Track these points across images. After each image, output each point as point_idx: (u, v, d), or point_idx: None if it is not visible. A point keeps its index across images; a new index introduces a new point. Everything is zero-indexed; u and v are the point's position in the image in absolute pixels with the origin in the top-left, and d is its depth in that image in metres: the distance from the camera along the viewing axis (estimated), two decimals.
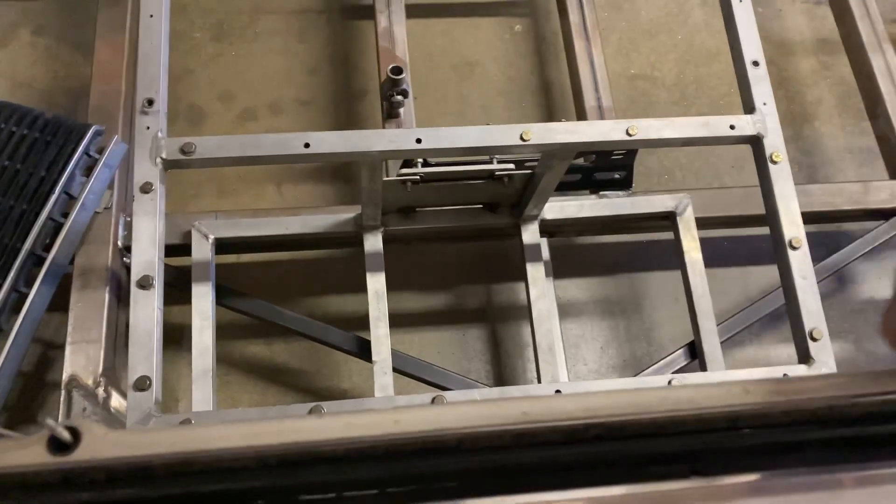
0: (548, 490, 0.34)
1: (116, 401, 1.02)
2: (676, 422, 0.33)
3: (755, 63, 0.97)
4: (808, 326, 0.91)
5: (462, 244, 1.35)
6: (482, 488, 0.34)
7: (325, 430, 0.32)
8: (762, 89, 0.95)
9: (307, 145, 0.85)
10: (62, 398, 1.01)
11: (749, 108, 0.96)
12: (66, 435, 0.31)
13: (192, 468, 0.32)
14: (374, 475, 0.33)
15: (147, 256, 0.81)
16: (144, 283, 0.79)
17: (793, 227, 0.91)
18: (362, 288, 1.11)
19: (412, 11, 1.36)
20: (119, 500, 0.32)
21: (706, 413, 0.34)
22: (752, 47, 0.97)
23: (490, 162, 1.06)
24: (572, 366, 1.30)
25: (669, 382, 0.87)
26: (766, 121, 0.94)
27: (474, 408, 0.33)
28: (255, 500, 0.33)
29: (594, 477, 0.34)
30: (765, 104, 0.95)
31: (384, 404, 0.85)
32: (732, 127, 0.92)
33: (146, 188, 0.83)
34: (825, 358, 0.91)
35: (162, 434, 0.32)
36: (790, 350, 0.99)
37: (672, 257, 1.19)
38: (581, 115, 1.35)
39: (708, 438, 0.34)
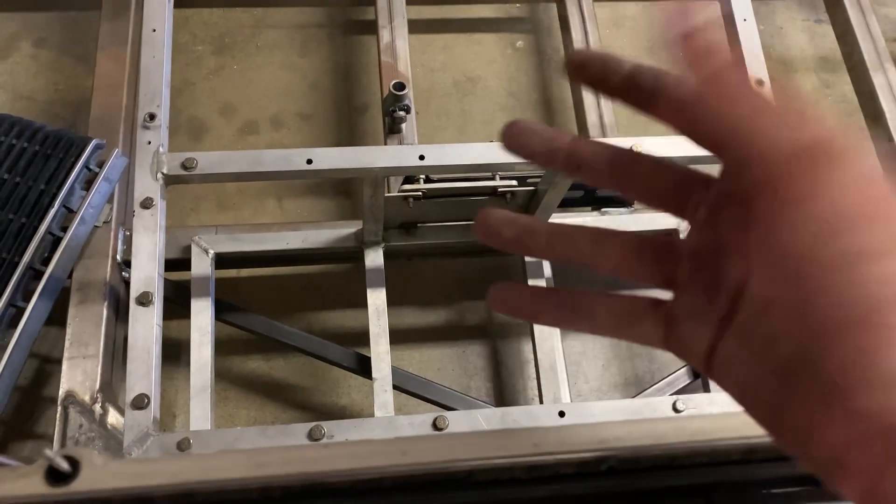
0: None
1: (113, 417, 1.01)
2: (692, 453, 0.33)
3: (760, 82, 0.96)
4: None
5: (463, 260, 1.34)
6: None
7: (331, 460, 0.31)
8: None
9: (310, 161, 0.85)
10: (58, 414, 0.99)
11: None
12: (64, 465, 0.31)
13: (194, 500, 0.31)
14: None
15: (147, 273, 0.80)
16: (144, 300, 0.79)
17: None
18: (362, 303, 1.10)
19: (414, 27, 1.36)
20: None
21: (722, 444, 0.33)
22: (756, 65, 0.97)
23: (493, 178, 1.06)
24: (574, 383, 1.29)
25: (674, 405, 0.86)
26: None
27: (484, 438, 0.32)
28: None
29: None
30: None
31: (384, 424, 0.84)
32: None
33: (146, 203, 0.82)
34: None
35: (163, 464, 0.31)
36: None
37: None
38: (583, 132, 1.35)
39: (724, 470, 0.33)
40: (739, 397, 0.28)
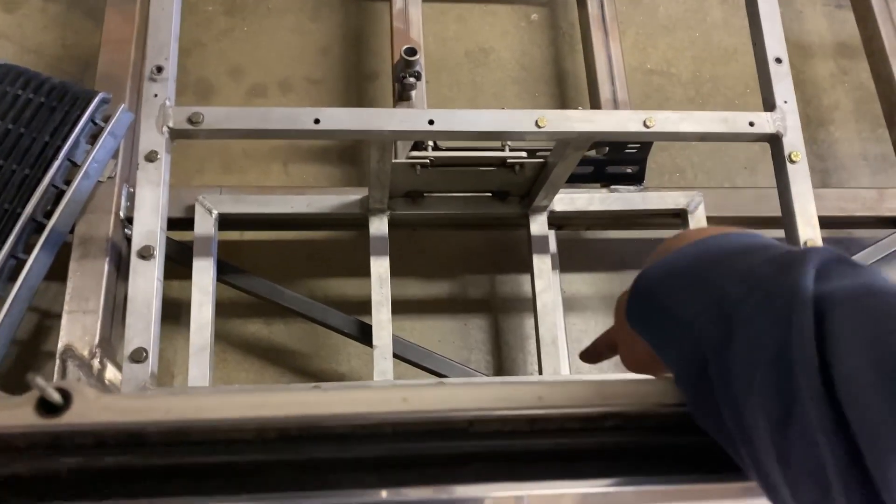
0: (562, 479, 0.32)
1: (111, 373, 1.00)
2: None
3: (778, 60, 0.94)
4: None
5: (468, 232, 1.33)
6: (493, 475, 0.32)
7: (330, 404, 0.31)
8: (784, 87, 0.93)
9: (317, 121, 0.83)
10: (56, 367, 0.99)
11: (769, 105, 0.94)
12: (56, 396, 0.30)
13: (187, 438, 0.30)
14: (380, 455, 0.32)
15: (149, 226, 0.79)
16: (145, 254, 0.78)
17: (808, 229, 0.89)
18: (365, 271, 1.09)
19: None
20: (109, 467, 0.30)
21: None
22: (775, 43, 0.95)
23: (502, 149, 1.04)
24: (574, 360, 1.28)
25: None
26: (787, 119, 0.92)
27: (487, 389, 0.32)
28: (253, 475, 0.31)
29: (612, 468, 0.33)
30: (786, 102, 0.93)
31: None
32: (752, 124, 0.90)
33: (151, 157, 0.81)
34: None
35: (157, 400, 0.30)
36: None
37: None
38: (595, 107, 1.33)
39: None
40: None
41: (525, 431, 0.32)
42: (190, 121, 0.82)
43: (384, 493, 0.31)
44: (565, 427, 0.32)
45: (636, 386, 0.33)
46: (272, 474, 0.31)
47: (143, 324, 0.75)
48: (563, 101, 1.50)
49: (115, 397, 0.30)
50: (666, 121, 0.89)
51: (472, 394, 0.31)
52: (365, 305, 1.08)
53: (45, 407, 0.30)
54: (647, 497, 0.33)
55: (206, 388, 0.79)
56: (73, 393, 0.30)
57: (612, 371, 1.23)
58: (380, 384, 0.81)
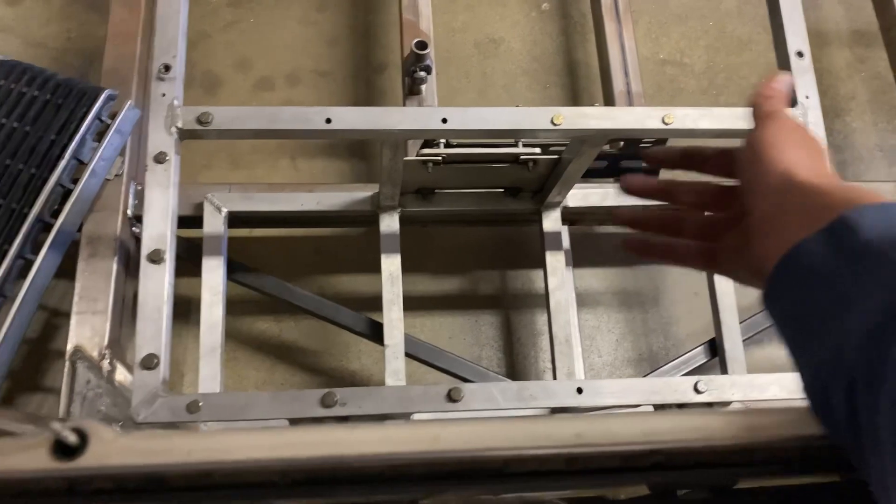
0: None
1: (121, 374, 0.99)
2: (747, 449, 0.30)
3: (799, 54, 0.92)
4: None
5: (480, 228, 1.32)
6: None
7: (358, 443, 0.29)
8: (806, 81, 0.91)
9: (328, 120, 0.81)
10: (66, 369, 0.98)
11: (791, 100, 0.91)
12: (72, 438, 0.28)
13: (210, 481, 0.29)
14: (409, 497, 0.30)
15: (159, 230, 0.77)
16: (155, 258, 0.76)
17: None
18: (376, 268, 1.07)
19: None
20: None
21: (779, 441, 0.30)
22: (796, 37, 0.93)
23: (515, 145, 1.02)
24: (587, 357, 1.27)
25: (696, 385, 0.84)
26: (808, 115, 0.90)
27: (522, 426, 0.30)
28: None
29: None
30: (807, 97, 0.91)
31: (398, 393, 0.82)
32: None
33: (160, 158, 0.79)
34: None
35: (178, 440, 0.29)
36: None
37: None
38: (609, 100, 1.31)
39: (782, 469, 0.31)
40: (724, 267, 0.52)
41: (562, 471, 0.31)
42: (199, 121, 0.80)
43: None
44: (605, 466, 0.30)
45: (681, 420, 0.32)
46: None
47: (153, 329, 0.74)
48: (574, 92, 1.48)
49: (133, 437, 0.28)
50: (685, 117, 0.86)
51: (507, 431, 0.30)
52: (375, 301, 1.07)
53: (61, 449, 0.29)
54: None
55: (219, 397, 0.77)
56: (90, 433, 0.29)
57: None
58: (388, 391, 0.80)
